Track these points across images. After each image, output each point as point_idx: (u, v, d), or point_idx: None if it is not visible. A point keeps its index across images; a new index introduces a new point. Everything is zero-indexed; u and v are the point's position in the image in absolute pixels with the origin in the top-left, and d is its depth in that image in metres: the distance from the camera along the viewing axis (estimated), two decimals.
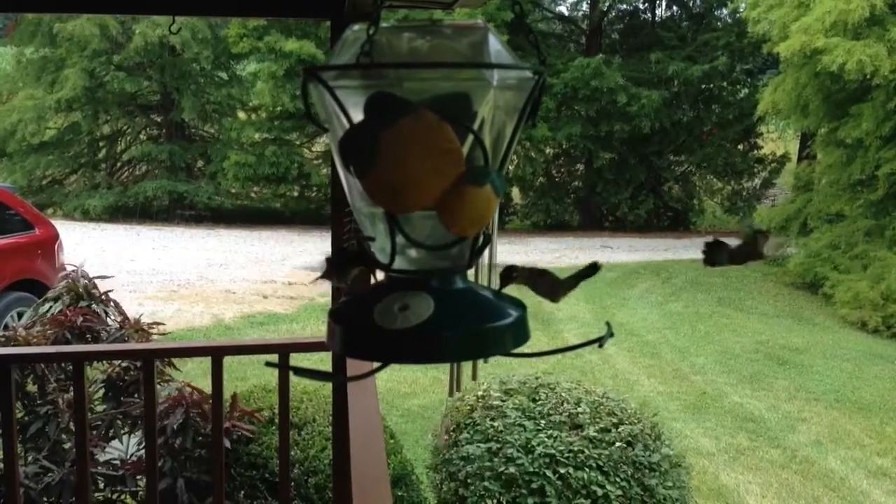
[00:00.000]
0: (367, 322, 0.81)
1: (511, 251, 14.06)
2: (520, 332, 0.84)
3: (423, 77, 0.80)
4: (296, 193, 18.84)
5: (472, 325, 0.82)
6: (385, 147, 0.75)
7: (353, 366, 1.99)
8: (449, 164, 0.77)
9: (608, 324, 0.86)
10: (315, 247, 14.64)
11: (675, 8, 19.96)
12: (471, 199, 0.78)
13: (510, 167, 16.92)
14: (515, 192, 18.94)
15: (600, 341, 0.86)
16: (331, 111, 0.81)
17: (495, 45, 0.81)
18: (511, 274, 0.89)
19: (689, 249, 15.34)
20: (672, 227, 18.57)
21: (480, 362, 6.17)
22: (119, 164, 19.52)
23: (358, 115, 0.79)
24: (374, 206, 0.82)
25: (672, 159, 18.86)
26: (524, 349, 0.87)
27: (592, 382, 5.94)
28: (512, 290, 0.88)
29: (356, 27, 0.82)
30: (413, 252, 0.85)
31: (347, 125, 0.79)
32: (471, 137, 0.80)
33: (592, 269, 0.91)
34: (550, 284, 0.91)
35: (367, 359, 0.84)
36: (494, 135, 0.83)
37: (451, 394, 5.39)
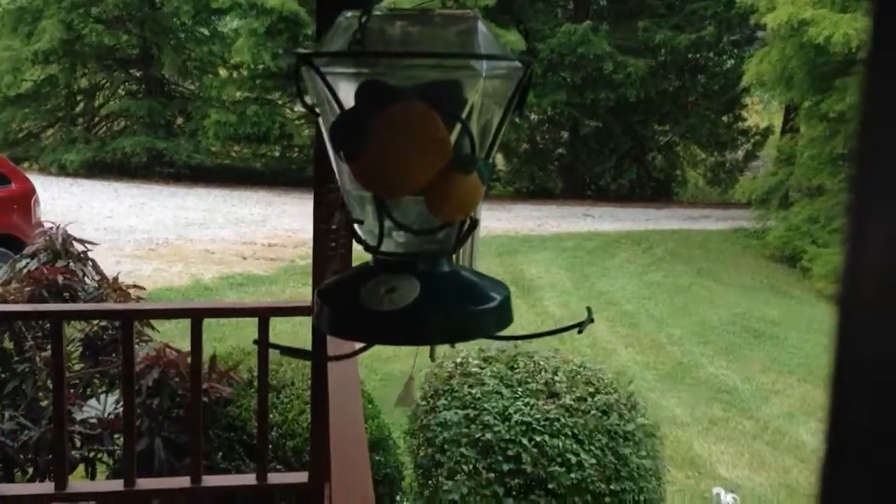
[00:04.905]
0: (354, 303, 0.83)
1: (493, 217, 14.08)
2: (504, 315, 0.87)
3: (414, 65, 0.82)
4: (277, 153, 18.69)
5: (458, 309, 0.85)
6: (375, 134, 0.78)
7: (334, 342, 2.02)
8: (437, 152, 0.79)
9: (589, 309, 0.89)
10: (296, 209, 14.59)
11: None
12: (458, 187, 0.80)
13: None
14: (499, 159, 18.92)
15: (580, 326, 0.89)
16: (322, 96, 0.83)
17: (485, 35, 0.83)
18: None
19: (671, 220, 15.43)
20: (654, 197, 18.64)
21: None
22: (97, 119, 19.27)
23: (349, 101, 0.81)
24: (363, 190, 0.84)
25: (657, 129, 18.88)
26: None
27: (570, 351, 6.01)
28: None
29: (349, 14, 0.83)
30: (400, 236, 0.87)
31: (338, 111, 0.81)
32: (459, 126, 0.82)
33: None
34: None
35: (353, 339, 0.87)
36: (482, 123, 0.85)
37: (432, 359, 5.43)
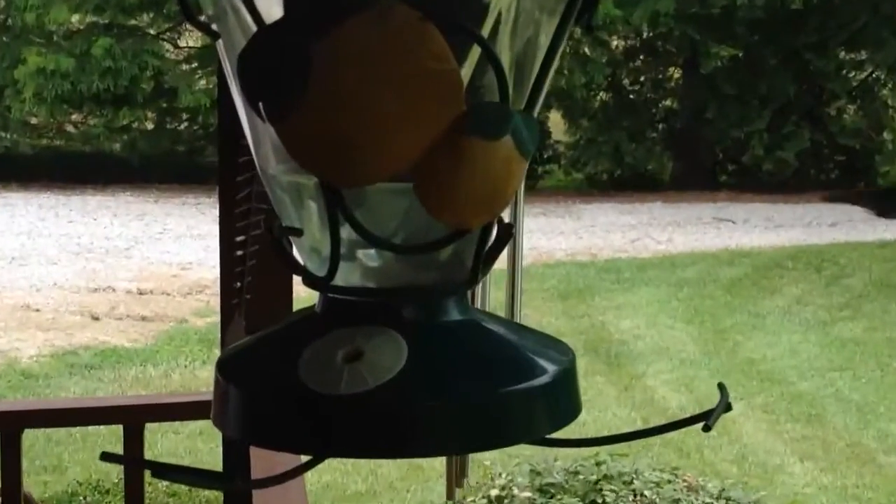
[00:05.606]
0: (287, 382, 0.82)
1: (550, 228, 14.09)
2: (560, 401, 0.86)
3: None
4: (151, 125, 18.81)
5: (476, 391, 0.84)
6: (322, 69, 0.77)
7: (263, 457, 2.02)
8: (437, 99, 0.78)
9: (722, 388, 0.88)
10: (188, 224, 14.66)
11: None
12: (476, 163, 0.79)
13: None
14: (557, 121, 18.95)
15: (707, 420, 0.87)
16: (224, 3, 0.83)
17: None
18: None
19: (877, 224, 15.40)
20: (844, 181, 18.64)
21: None
22: None
23: (273, 11, 0.80)
24: (303, 174, 0.84)
25: (843, 58, 18.91)
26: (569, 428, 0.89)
27: (701, 471, 5.99)
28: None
29: None
30: (371, 256, 0.87)
31: (254, 28, 0.80)
32: (477, 51, 0.82)
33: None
34: None
35: (286, 448, 0.86)
36: (519, 48, 0.85)
37: (449, 494, 5.42)
